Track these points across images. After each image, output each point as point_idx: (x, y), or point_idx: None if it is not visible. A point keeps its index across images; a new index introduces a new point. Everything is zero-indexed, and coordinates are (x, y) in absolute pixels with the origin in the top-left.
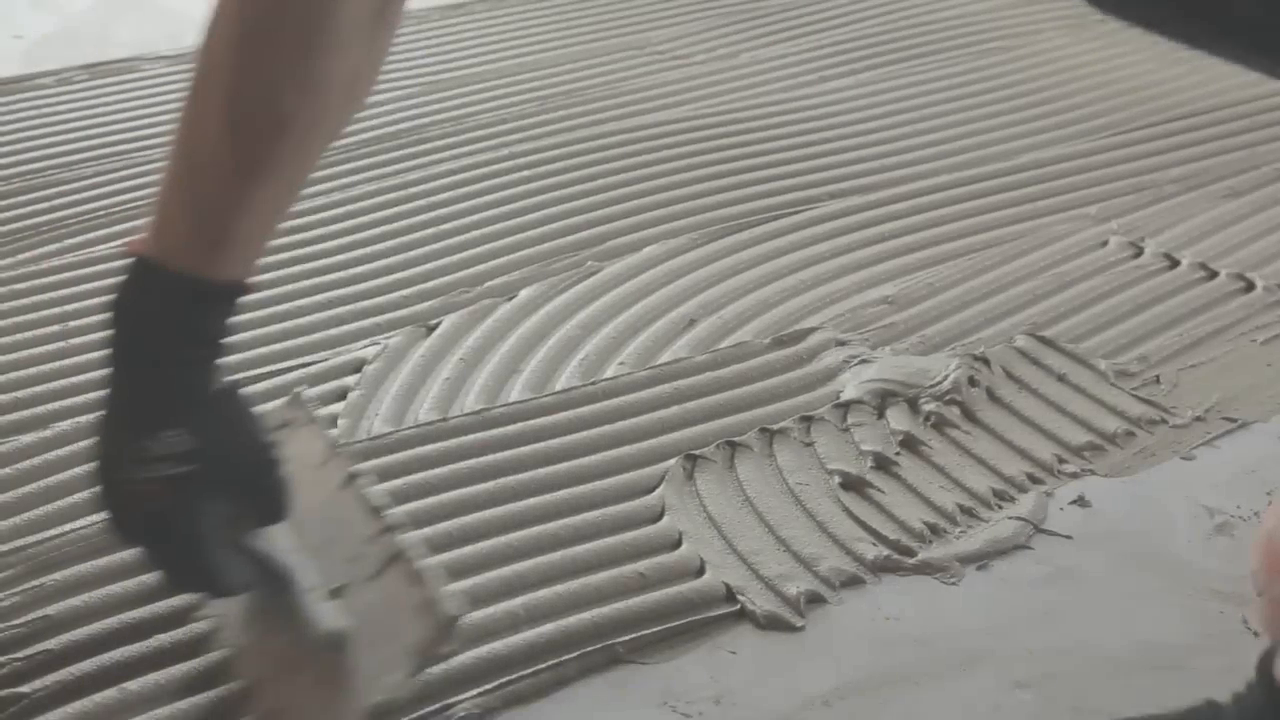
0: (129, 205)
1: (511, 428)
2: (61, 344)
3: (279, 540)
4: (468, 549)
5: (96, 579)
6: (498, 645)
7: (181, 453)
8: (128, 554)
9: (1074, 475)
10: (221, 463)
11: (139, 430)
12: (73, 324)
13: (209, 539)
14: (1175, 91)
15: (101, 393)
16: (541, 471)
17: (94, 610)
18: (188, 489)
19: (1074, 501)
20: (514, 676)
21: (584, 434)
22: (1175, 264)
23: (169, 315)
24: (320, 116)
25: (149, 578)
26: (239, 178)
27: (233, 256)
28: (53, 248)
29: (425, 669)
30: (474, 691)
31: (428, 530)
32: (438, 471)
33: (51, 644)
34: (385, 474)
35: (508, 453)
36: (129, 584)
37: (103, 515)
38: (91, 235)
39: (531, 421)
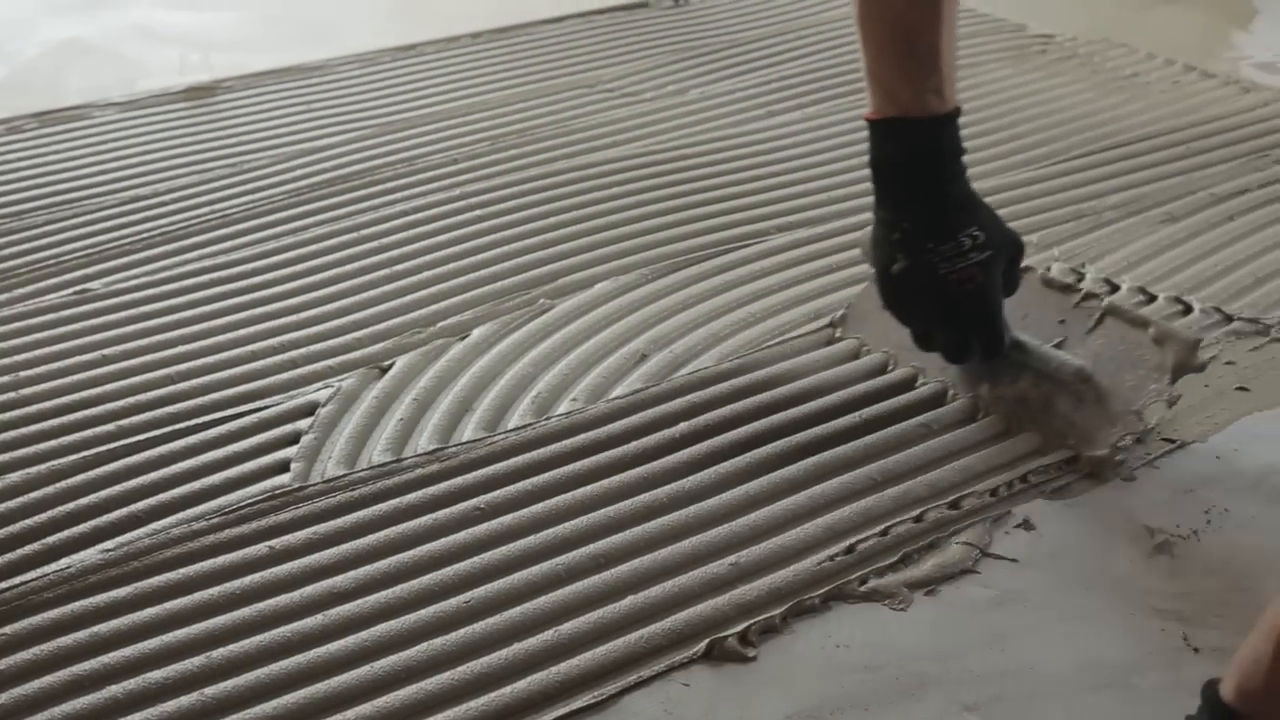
0: (80, 253)
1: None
2: (12, 394)
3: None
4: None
5: (47, 632)
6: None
7: (982, 242)
8: (78, 605)
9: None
10: (996, 246)
11: (947, 235)
12: (24, 374)
13: (1000, 307)
14: (1113, 120)
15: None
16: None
17: (44, 664)
18: (989, 268)
19: (1019, 525)
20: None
21: (537, 478)
22: (1115, 289)
23: (933, 150)
24: None
25: (101, 628)
26: (924, 27)
27: (947, 89)
28: (2, 298)
29: (1180, 378)
30: None
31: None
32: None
33: (2, 699)
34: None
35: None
36: (80, 635)
37: (923, 314)
38: (42, 284)
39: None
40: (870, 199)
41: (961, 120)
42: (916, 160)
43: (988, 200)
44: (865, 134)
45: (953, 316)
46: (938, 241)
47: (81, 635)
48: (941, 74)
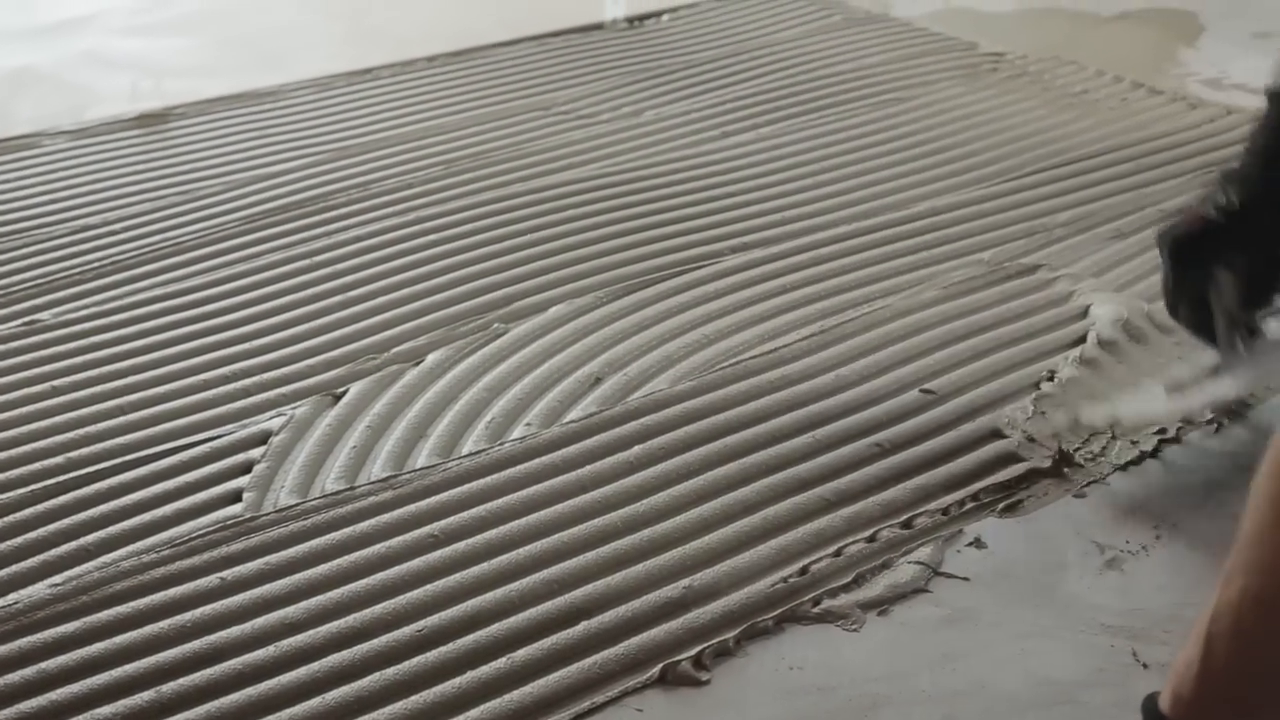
0: (30, 284)
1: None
2: None
3: None
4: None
5: None
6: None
7: (1223, 205)
8: (25, 641)
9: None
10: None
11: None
12: None
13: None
14: (1064, 137)
15: None
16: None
17: None
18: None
19: (971, 543)
20: None
21: (491, 504)
22: (1063, 304)
23: None
24: None
25: (48, 665)
26: None
27: None
28: None
29: None
30: None
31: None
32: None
33: None
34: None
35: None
36: (27, 672)
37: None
38: None
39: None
40: (824, 219)
41: (913, 138)
42: None
43: (941, 217)
44: (821, 152)
45: (1163, 247)
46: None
47: (29, 672)
48: None
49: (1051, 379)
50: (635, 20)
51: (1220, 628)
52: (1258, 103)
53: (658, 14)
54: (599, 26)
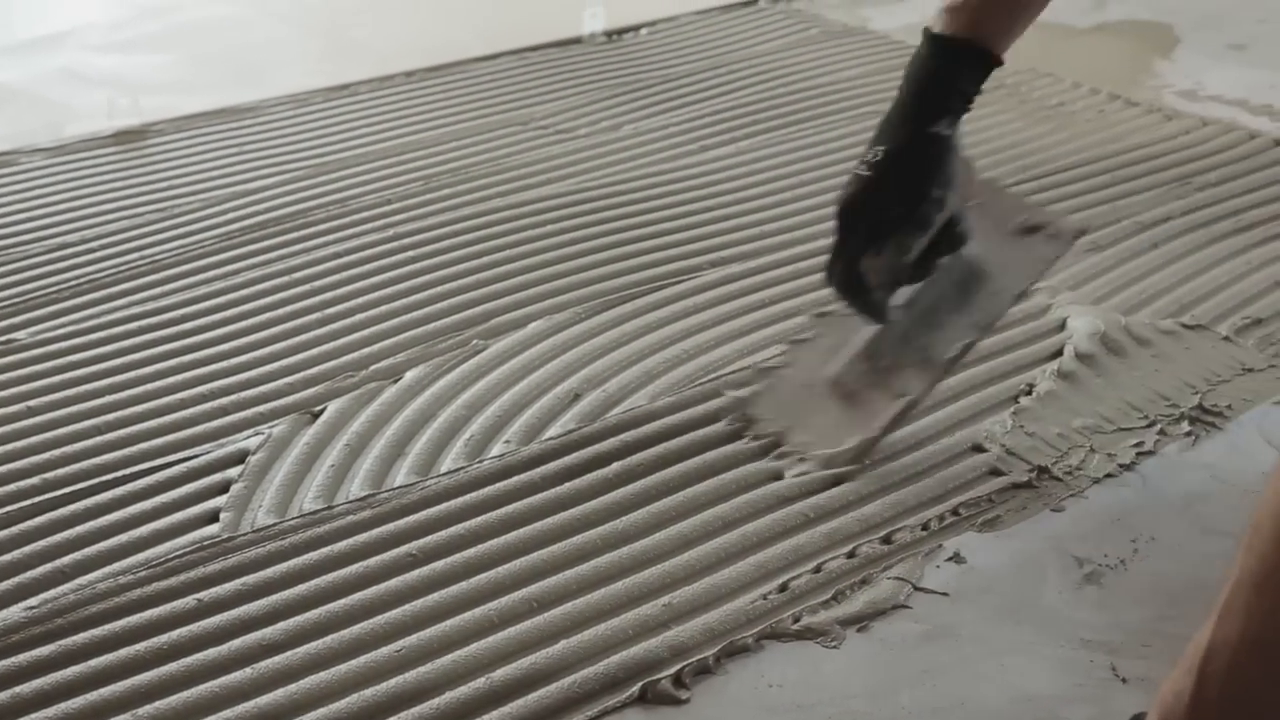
0: (5, 303)
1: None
2: None
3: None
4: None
5: None
6: None
7: (874, 163)
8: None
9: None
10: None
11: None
12: None
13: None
14: (1040, 150)
15: None
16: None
17: None
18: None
19: (950, 558)
20: None
21: (470, 523)
22: (1041, 317)
23: (966, 74)
24: None
25: (23, 689)
26: None
27: (1007, 41)
28: None
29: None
30: None
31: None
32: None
33: None
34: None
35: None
36: (2, 697)
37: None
38: None
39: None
40: (803, 233)
41: None
42: (950, 79)
43: None
44: (799, 166)
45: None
46: (875, 140)
47: (3, 697)
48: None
49: (1030, 393)
50: (614, 34)
51: (1216, 667)
52: (1233, 114)
53: (636, 28)
54: (577, 41)
